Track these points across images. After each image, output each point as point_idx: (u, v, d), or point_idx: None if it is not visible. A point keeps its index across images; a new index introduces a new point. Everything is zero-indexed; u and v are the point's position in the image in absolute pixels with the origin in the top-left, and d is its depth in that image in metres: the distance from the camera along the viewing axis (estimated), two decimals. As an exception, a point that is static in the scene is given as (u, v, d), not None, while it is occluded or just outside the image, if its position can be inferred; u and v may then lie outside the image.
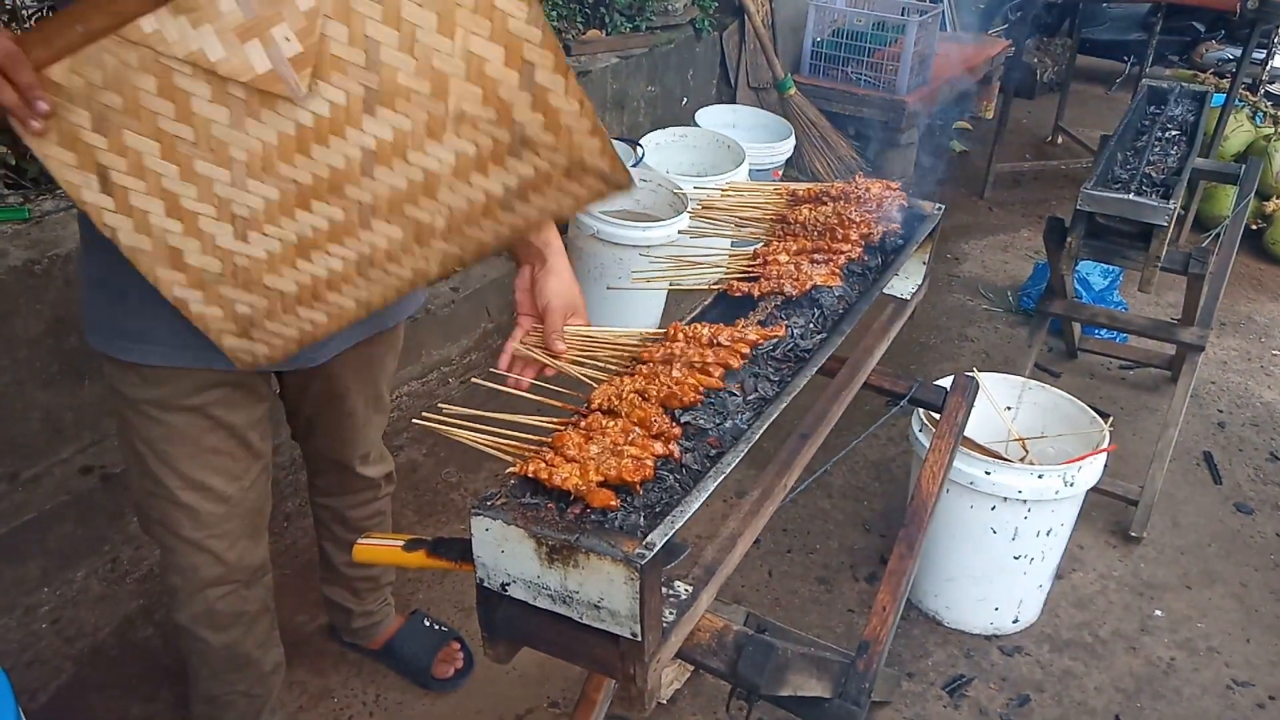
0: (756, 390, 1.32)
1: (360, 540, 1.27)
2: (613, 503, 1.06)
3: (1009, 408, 2.49)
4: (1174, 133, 2.83)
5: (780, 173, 4.22)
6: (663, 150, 3.90)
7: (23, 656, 2.13)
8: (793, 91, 4.55)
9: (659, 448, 1.13)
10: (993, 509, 2.16)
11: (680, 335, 1.30)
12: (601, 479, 1.08)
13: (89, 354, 2.35)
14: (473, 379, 1.33)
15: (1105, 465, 2.25)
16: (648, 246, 3.10)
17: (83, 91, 1.06)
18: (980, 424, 2.46)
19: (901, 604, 1.59)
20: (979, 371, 2.49)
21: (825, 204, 1.66)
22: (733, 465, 1.15)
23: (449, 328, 3.28)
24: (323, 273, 1.18)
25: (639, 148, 3.69)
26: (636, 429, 1.16)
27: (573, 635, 1.08)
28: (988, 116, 5.97)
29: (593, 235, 3.23)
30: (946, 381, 1.84)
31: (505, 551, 1.07)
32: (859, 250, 1.58)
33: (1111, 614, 2.46)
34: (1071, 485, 2.12)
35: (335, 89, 1.07)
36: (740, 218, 1.73)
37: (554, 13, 3.88)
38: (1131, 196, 2.28)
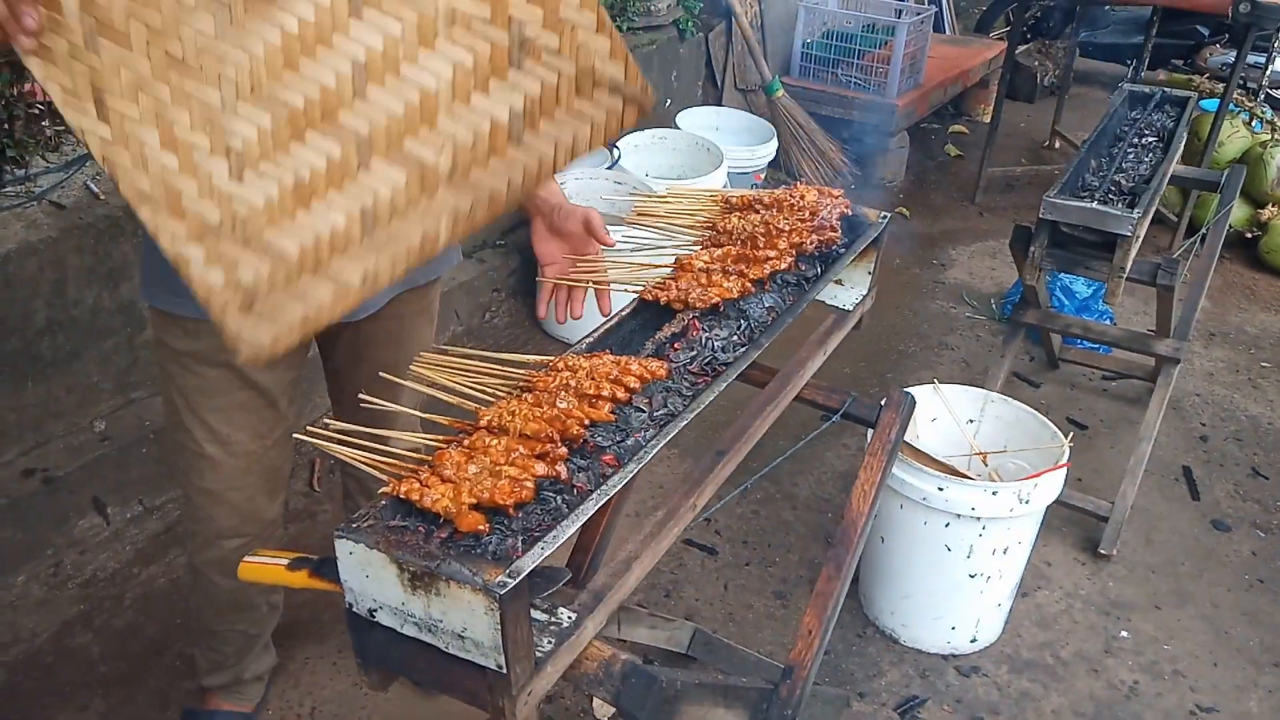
0: (665, 406, 1.27)
1: (246, 558, 1.23)
2: (481, 527, 1.01)
3: (971, 421, 2.43)
4: (1151, 139, 2.75)
5: (763, 176, 4.17)
6: (641, 152, 3.85)
7: (-45, 662, 2.10)
8: (781, 94, 4.49)
9: (541, 468, 1.08)
10: (946, 526, 2.10)
11: (564, 367, 1.24)
12: (475, 501, 1.03)
13: (32, 356, 2.33)
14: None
15: (1066, 481, 2.18)
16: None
17: (74, 4, 1.03)
18: (942, 438, 2.40)
19: (830, 626, 1.53)
20: (942, 384, 2.43)
21: (757, 212, 1.61)
22: (619, 487, 1.10)
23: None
24: (324, 229, 1.08)
25: (615, 149, 3.63)
26: (520, 449, 1.11)
27: (442, 665, 1.03)
28: (984, 120, 5.88)
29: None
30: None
31: (370, 576, 1.02)
32: (789, 260, 1.52)
33: (1075, 634, 2.39)
34: (1027, 503, 2.06)
35: None
36: (673, 225, 1.67)
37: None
38: (1094, 205, 2.21)
